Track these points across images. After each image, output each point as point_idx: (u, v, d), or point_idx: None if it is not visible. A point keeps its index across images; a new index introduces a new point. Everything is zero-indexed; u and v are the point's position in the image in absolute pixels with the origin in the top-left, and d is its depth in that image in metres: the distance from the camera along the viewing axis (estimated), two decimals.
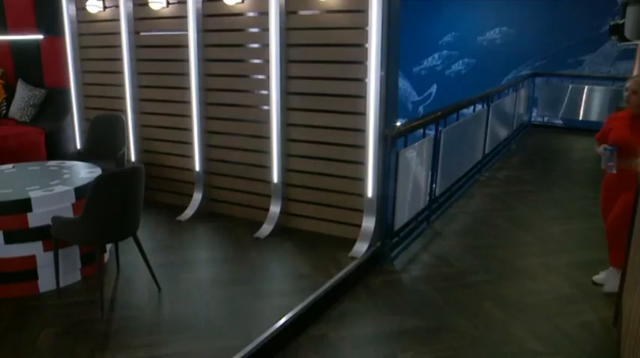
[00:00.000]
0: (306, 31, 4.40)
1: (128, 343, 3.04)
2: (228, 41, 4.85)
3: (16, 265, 3.53)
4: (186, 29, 4.92)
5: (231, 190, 5.14)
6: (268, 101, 4.61)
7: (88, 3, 5.52)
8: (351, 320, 3.52)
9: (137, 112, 5.56)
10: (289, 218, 4.80)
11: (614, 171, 3.68)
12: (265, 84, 4.64)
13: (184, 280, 3.84)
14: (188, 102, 5.13)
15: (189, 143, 5.24)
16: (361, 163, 4.32)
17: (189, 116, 5.16)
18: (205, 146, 5.15)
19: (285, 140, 4.65)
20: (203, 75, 5.01)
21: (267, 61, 4.56)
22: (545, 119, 10.92)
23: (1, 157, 5.10)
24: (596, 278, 4.08)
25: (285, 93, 4.57)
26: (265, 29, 4.51)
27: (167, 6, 5.09)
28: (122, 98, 5.59)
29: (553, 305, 3.76)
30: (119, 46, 5.43)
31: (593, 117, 10.11)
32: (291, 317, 3.29)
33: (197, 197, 5.22)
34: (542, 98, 10.64)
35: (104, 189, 3.28)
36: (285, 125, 4.63)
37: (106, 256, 4.09)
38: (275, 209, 4.76)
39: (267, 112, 4.66)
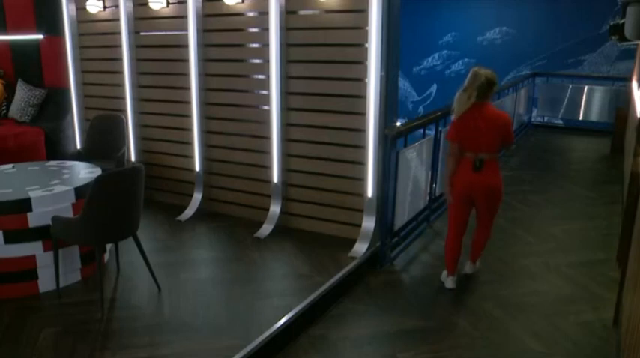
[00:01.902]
0: (306, 31, 4.40)
1: (128, 343, 3.04)
2: (228, 41, 4.85)
3: (16, 265, 3.53)
4: (186, 29, 4.93)
5: (231, 190, 5.14)
6: (268, 101, 4.61)
7: (88, 3, 5.52)
8: (351, 320, 3.52)
9: (137, 112, 5.56)
10: (289, 218, 4.80)
11: None
12: (265, 84, 4.64)
13: (184, 280, 3.84)
14: (188, 102, 5.14)
15: (189, 143, 5.24)
16: (361, 163, 4.32)
17: (189, 116, 5.16)
18: (205, 146, 5.15)
19: (285, 140, 4.65)
20: (203, 75, 5.01)
21: (267, 61, 4.56)
22: (545, 119, 10.92)
23: (1, 157, 5.09)
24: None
25: (285, 93, 4.57)
26: (265, 29, 4.51)
27: (167, 6, 5.09)
28: (122, 98, 5.59)
29: (553, 305, 3.76)
30: (119, 46, 5.43)
31: (593, 117, 10.12)
32: (291, 317, 3.29)
33: (197, 197, 5.22)
34: (542, 98, 10.64)
35: (104, 189, 3.28)
36: (285, 125, 4.63)
37: (106, 256, 4.09)
38: (275, 209, 4.76)
39: (267, 112, 4.66)
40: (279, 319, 3.24)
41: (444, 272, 4.07)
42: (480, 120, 3.70)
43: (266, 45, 4.53)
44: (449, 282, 3.98)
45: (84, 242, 3.61)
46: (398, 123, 4.50)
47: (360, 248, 4.24)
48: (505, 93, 8.70)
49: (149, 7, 5.14)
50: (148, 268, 3.64)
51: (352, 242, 4.31)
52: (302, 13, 4.40)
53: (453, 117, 3.80)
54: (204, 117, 5.10)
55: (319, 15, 4.33)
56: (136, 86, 5.51)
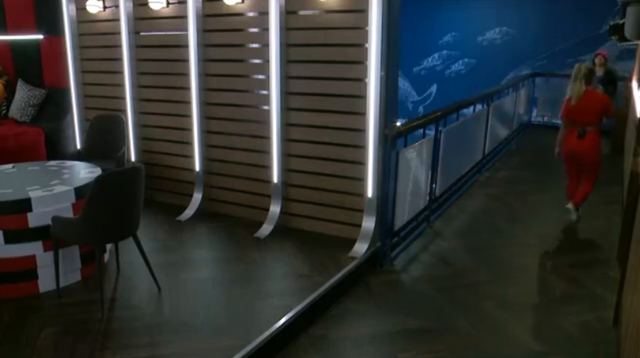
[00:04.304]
0: (306, 31, 4.40)
1: (128, 343, 3.04)
2: (228, 41, 4.85)
3: (16, 265, 3.53)
4: (186, 29, 4.92)
5: (231, 190, 5.14)
6: (268, 101, 4.61)
7: (88, 3, 5.52)
8: (351, 320, 3.52)
9: (137, 112, 5.56)
10: (289, 218, 4.80)
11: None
12: (265, 84, 4.64)
13: (184, 280, 3.84)
14: (188, 102, 5.14)
15: (189, 143, 5.24)
16: (361, 163, 4.32)
17: (189, 116, 5.16)
18: (205, 146, 5.15)
19: (285, 140, 4.65)
20: (203, 75, 5.01)
21: (267, 61, 4.56)
22: (545, 119, 10.91)
23: (1, 157, 5.09)
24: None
25: (285, 93, 4.57)
26: (265, 29, 4.51)
27: (167, 6, 5.09)
28: (122, 98, 5.59)
29: (553, 305, 3.76)
30: (119, 46, 5.43)
31: None
32: (291, 317, 3.29)
33: (197, 197, 5.22)
34: (542, 98, 10.63)
35: (104, 189, 3.28)
36: (285, 125, 4.63)
37: (106, 256, 4.09)
38: (275, 209, 4.76)
39: (267, 112, 4.66)
40: (279, 319, 3.24)
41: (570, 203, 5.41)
42: (584, 102, 5.03)
43: (266, 45, 4.53)
44: (570, 205, 5.39)
45: (84, 242, 3.61)
46: (398, 123, 4.50)
47: (360, 248, 4.24)
48: (505, 93, 8.70)
49: (149, 7, 5.14)
50: (148, 268, 3.64)
51: (352, 242, 4.31)
52: (302, 13, 4.40)
53: (565, 99, 5.25)
54: (204, 117, 5.10)
55: (319, 15, 4.33)
56: (136, 86, 5.51)
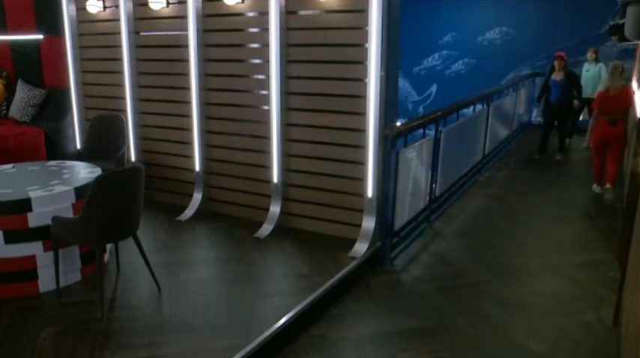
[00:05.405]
0: (306, 31, 4.40)
1: (128, 343, 3.04)
2: (228, 41, 4.85)
3: (16, 265, 3.53)
4: (186, 29, 4.93)
5: (231, 190, 5.14)
6: (268, 101, 4.62)
7: (88, 3, 5.52)
8: (351, 320, 3.52)
9: (137, 112, 5.56)
10: (289, 218, 4.80)
11: None
12: (265, 84, 4.64)
13: (184, 280, 3.84)
14: (188, 102, 5.14)
15: (189, 143, 5.24)
16: (361, 163, 4.32)
17: (189, 116, 5.16)
18: (205, 146, 5.15)
19: (285, 140, 4.65)
20: (203, 75, 5.01)
21: (267, 61, 4.56)
22: None
23: (1, 157, 5.09)
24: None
25: (285, 93, 4.57)
26: (265, 29, 4.51)
27: (167, 6, 5.09)
28: (122, 98, 5.59)
29: (553, 305, 3.76)
30: (119, 46, 5.43)
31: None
32: (291, 317, 3.29)
33: (197, 197, 5.22)
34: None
35: (104, 189, 3.28)
36: (285, 125, 4.63)
37: (106, 256, 4.09)
38: (275, 209, 4.76)
39: (267, 112, 4.66)
40: (279, 319, 3.24)
41: (594, 185, 6.38)
42: (620, 94, 5.94)
43: (266, 45, 4.53)
44: (596, 189, 6.31)
45: (84, 242, 3.61)
46: (398, 123, 4.50)
47: (360, 248, 4.24)
48: (505, 94, 8.70)
49: (149, 7, 5.14)
50: (148, 268, 3.64)
51: (352, 242, 4.31)
52: (302, 13, 4.40)
53: (598, 93, 6.26)
54: (204, 117, 5.10)
55: (319, 15, 4.33)
56: (136, 86, 5.51)
